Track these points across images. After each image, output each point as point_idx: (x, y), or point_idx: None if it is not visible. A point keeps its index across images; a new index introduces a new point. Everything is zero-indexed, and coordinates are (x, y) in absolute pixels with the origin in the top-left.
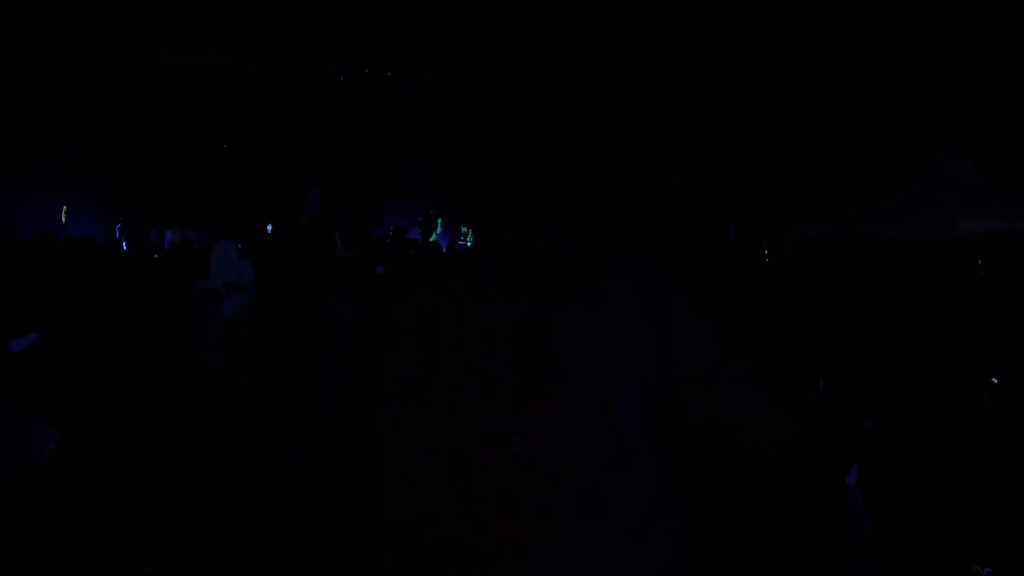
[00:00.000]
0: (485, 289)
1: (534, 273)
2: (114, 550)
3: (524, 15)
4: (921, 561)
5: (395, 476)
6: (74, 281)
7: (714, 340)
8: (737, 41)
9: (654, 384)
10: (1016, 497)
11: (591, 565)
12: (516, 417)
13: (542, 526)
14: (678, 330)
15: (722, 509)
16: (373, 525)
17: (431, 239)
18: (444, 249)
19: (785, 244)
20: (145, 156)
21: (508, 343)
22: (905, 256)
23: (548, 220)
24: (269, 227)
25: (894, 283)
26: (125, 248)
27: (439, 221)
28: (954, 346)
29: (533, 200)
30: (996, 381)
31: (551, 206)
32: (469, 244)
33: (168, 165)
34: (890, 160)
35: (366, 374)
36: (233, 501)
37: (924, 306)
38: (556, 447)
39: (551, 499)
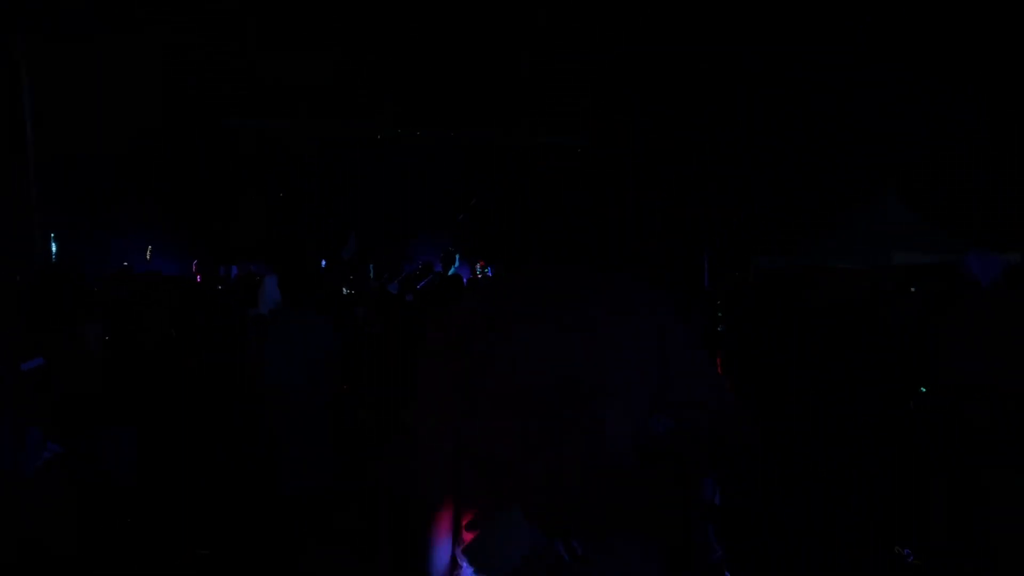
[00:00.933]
0: (514, 313)
1: (555, 300)
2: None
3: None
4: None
5: (426, 462)
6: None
7: (703, 372)
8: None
9: (644, 409)
10: (935, 492)
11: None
12: (530, 431)
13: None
14: (676, 364)
15: None
16: (377, 522)
17: (451, 271)
18: (464, 280)
19: (750, 275)
20: (215, 205)
21: (530, 365)
22: (850, 284)
23: (555, 242)
24: (323, 263)
25: (841, 306)
26: (199, 281)
27: (456, 256)
28: (890, 360)
29: (534, 200)
30: (924, 390)
31: (552, 207)
32: (487, 275)
33: (234, 212)
34: (832, 198)
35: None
36: (250, 500)
37: (867, 326)
38: (560, 462)
39: (554, 504)
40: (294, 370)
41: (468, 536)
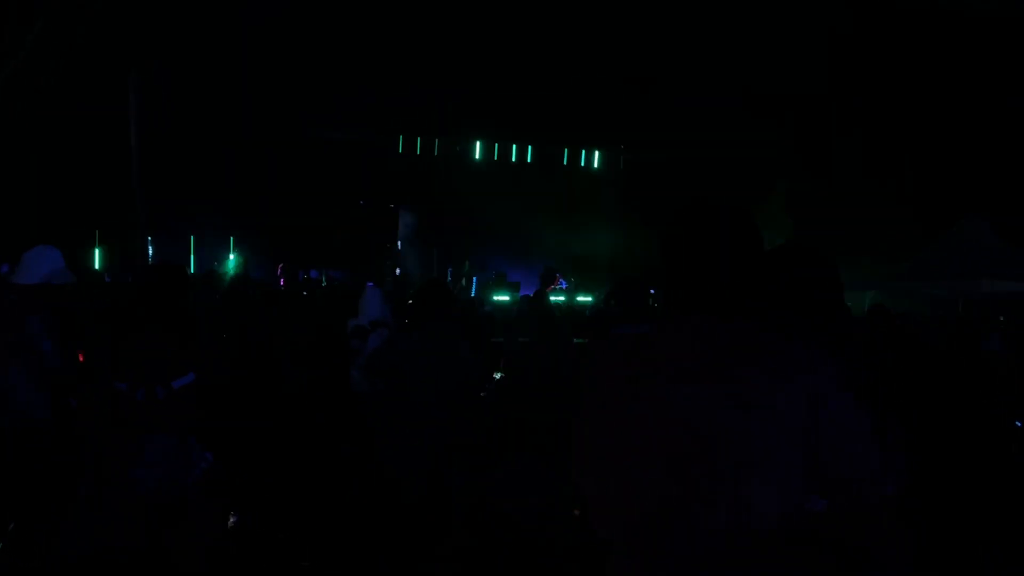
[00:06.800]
0: (655, 370)
1: (702, 357)
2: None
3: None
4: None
5: (584, 484)
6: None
7: (864, 454)
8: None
9: (797, 485)
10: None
11: None
12: (667, 496)
13: None
14: (832, 437)
15: None
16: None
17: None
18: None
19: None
20: (297, 218)
21: (669, 426)
22: (939, 313)
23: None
24: (397, 271)
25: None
26: (282, 284)
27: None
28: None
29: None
30: (1020, 424)
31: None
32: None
33: (314, 225)
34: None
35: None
36: (371, 507)
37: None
38: (697, 533)
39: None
40: (442, 383)
41: None
